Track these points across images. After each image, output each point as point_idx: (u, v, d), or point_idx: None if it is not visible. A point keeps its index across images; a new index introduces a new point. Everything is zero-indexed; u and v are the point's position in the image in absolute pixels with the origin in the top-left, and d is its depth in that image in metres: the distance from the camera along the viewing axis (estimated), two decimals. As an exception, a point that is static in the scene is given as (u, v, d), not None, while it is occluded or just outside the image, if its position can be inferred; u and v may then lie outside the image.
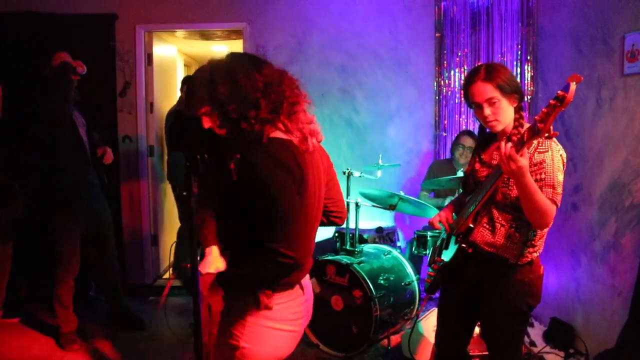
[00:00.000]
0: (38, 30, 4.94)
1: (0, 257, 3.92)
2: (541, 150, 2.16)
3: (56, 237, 3.80)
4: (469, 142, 4.45)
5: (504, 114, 2.25)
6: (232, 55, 1.80)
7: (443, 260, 2.52)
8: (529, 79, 4.45)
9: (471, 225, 2.33)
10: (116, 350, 3.87)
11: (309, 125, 1.82)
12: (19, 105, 3.94)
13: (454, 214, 2.60)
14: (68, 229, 3.81)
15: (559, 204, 2.16)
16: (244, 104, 1.69)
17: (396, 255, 4.06)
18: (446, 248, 2.54)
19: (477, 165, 2.42)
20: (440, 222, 2.55)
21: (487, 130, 2.38)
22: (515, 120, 2.28)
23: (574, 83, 1.84)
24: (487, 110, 2.24)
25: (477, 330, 2.94)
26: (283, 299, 1.85)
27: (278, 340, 1.87)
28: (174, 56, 6.23)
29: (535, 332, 3.98)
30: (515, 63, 4.52)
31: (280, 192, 1.66)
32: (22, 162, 3.89)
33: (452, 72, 4.90)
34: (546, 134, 1.93)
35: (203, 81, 1.72)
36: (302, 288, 1.92)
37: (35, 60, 4.71)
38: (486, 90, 2.22)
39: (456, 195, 3.94)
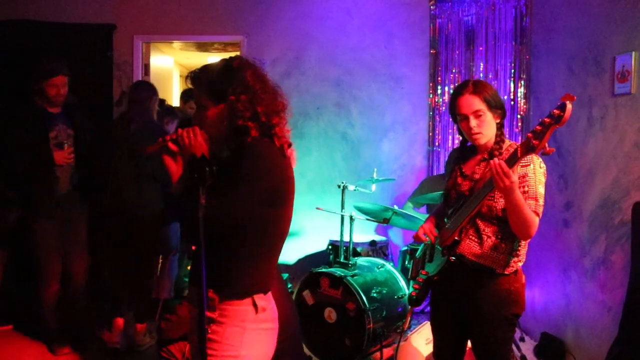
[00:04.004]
0: (36, 39, 4.96)
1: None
2: (524, 163, 2.24)
3: (32, 242, 3.78)
4: None
5: (488, 128, 2.35)
6: (260, 66, 1.92)
7: (427, 272, 2.56)
8: (522, 96, 4.51)
9: (457, 239, 2.39)
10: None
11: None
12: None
13: (435, 226, 2.64)
14: (41, 235, 3.77)
15: (540, 215, 2.25)
16: (272, 112, 1.85)
17: (389, 269, 4.09)
18: (430, 261, 2.58)
19: (459, 179, 2.47)
20: (425, 234, 2.59)
21: (468, 143, 2.47)
22: (497, 136, 2.38)
23: (570, 102, 1.92)
24: (473, 122, 2.32)
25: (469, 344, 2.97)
26: (269, 300, 1.92)
27: (272, 339, 1.94)
28: (170, 67, 6.28)
29: (526, 347, 4.01)
30: (508, 81, 4.59)
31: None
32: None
33: (446, 89, 4.97)
34: (541, 151, 2.00)
35: (246, 79, 1.83)
36: None
37: (32, 70, 4.73)
38: (474, 102, 2.32)
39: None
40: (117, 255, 4.10)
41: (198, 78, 1.88)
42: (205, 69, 1.90)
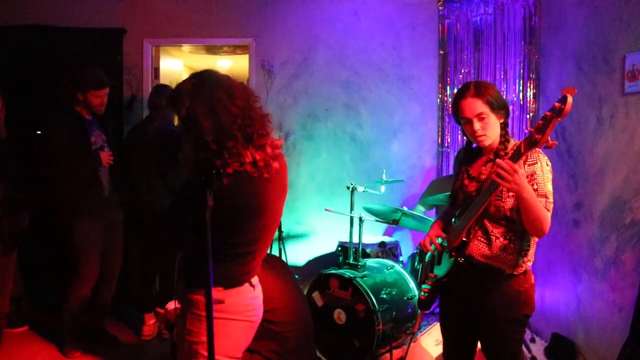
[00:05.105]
0: (47, 43, 5.00)
1: (2, 267, 3.93)
2: (530, 162, 2.26)
3: (72, 246, 3.83)
4: None
5: (492, 129, 2.35)
6: (207, 84, 1.91)
7: (436, 275, 2.56)
8: (531, 96, 4.50)
9: (465, 240, 2.39)
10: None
11: (273, 150, 1.98)
12: (25, 117, 3.98)
13: (442, 229, 2.63)
14: (87, 238, 3.82)
15: (551, 212, 2.26)
16: (222, 135, 1.85)
17: (399, 270, 4.09)
18: (438, 264, 2.58)
19: (466, 181, 2.47)
20: (431, 243, 2.58)
21: (474, 145, 2.47)
22: (502, 136, 2.39)
23: (570, 95, 1.93)
24: (477, 125, 2.32)
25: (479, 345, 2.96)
26: (232, 295, 2.04)
27: (234, 330, 2.06)
28: (180, 70, 6.31)
29: (537, 348, 3.99)
30: (517, 81, 4.58)
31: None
32: (28, 174, 3.92)
33: (455, 89, 4.95)
34: (544, 144, 2.02)
35: (185, 111, 1.88)
36: (252, 286, 2.13)
37: (43, 74, 4.78)
38: (476, 105, 2.31)
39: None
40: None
41: None
42: None
